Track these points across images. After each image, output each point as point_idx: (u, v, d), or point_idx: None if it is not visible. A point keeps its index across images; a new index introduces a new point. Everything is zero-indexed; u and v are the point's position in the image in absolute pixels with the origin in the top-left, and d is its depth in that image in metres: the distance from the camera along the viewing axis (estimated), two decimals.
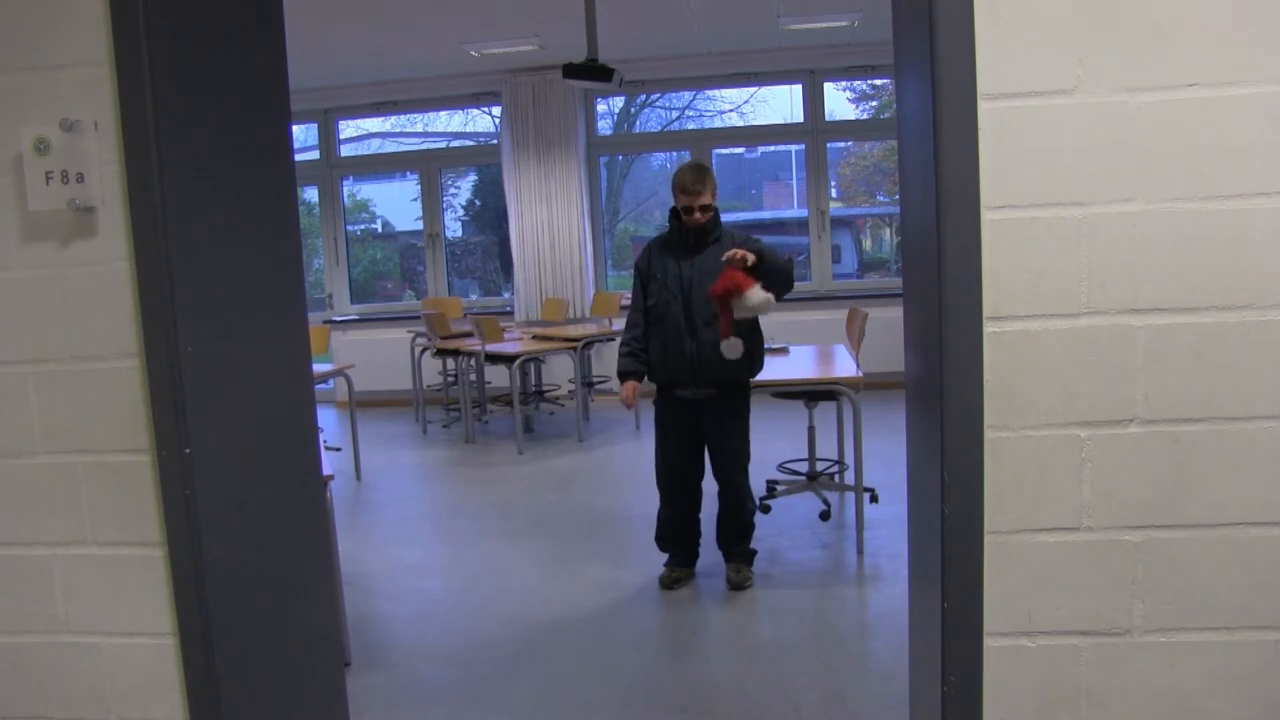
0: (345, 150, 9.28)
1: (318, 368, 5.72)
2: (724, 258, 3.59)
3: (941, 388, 1.61)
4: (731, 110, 9.12)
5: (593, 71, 5.84)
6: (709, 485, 3.99)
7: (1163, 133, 1.52)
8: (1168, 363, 1.56)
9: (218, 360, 1.88)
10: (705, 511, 4.06)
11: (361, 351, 8.46)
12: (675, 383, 3.89)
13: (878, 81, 8.65)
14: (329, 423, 7.94)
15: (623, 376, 4.00)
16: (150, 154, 1.72)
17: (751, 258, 3.57)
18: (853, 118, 8.90)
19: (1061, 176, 1.55)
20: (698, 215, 3.77)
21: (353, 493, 5.89)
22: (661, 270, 3.87)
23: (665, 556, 4.07)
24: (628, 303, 8.14)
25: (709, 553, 4.08)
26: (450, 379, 7.95)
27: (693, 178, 3.78)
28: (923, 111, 1.62)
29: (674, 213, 3.87)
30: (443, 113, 9.31)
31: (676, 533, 4.04)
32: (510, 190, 8.52)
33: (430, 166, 9.08)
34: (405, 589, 4.17)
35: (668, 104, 9.37)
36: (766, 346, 4.04)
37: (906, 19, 1.74)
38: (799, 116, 8.56)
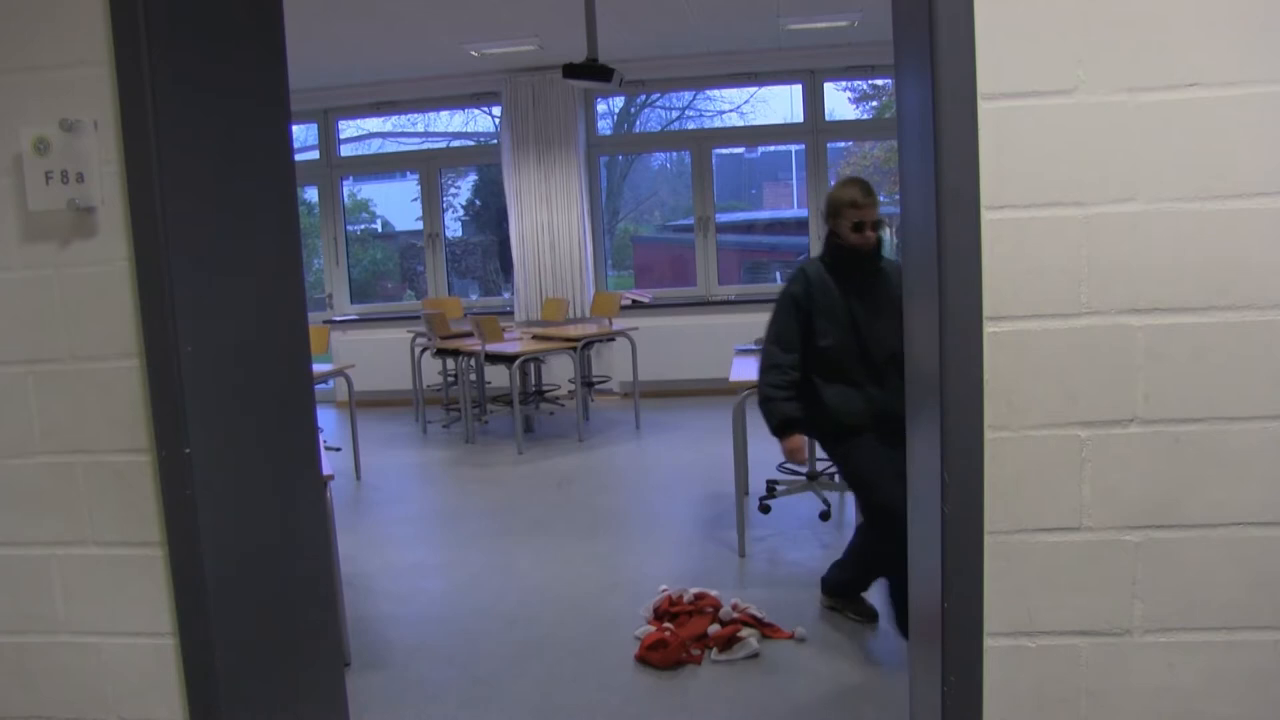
0: (345, 150, 9.29)
1: (318, 368, 5.72)
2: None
3: (941, 388, 1.61)
4: (731, 110, 9.13)
5: (593, 71, 5.84)
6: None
7: (1163, 133, 1.52)
8: (1168, 363, 1.56)
9: (217, 360, 1.88)
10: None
11: (361, 351, 8.46)
12: (858, 430, 3.34)
13: (878, 81, 8.65)
14: (329, 423, 7.93)
15: (785, 427, 3.40)
16: (150, 154, 1.71)
17: None
18: (853, 118, 8.90)
19: (1061, 176, 1.55)
20: (870, 233, 3.30)
21: (353, 493, 5.89)
22: (829, 304, 3.34)
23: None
24: (628, 303, 8.29)
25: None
26: (450, 379, 7.95)
27: (863, 190, 3.30)
28: (923, 111, 1.62)
29: (830, 239, 3.41)
30: (443, 113, 9.32)
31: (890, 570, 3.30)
32: (510, 190, 8.52)
33: (430, 166, 9.08)
34: (405, 589, 4.17)
35: (668, 104, 9.37)
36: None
37: (906, 19, 1.74)
38: (799, 116, 8.56)
